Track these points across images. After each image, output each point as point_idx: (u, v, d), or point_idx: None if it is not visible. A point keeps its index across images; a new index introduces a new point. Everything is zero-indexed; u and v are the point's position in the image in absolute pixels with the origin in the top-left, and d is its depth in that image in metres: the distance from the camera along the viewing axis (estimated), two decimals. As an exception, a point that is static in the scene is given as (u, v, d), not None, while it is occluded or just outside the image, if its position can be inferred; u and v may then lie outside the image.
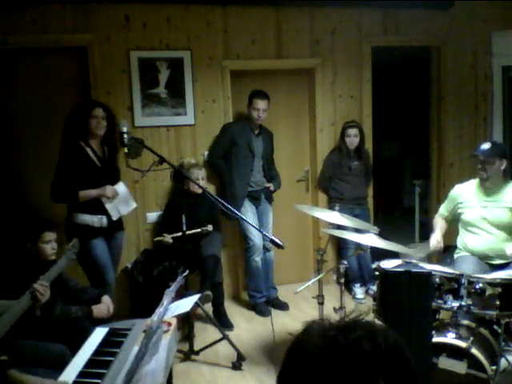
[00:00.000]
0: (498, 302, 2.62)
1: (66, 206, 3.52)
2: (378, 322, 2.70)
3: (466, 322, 2.84)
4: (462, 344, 2.59)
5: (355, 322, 0.80)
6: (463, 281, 2.72)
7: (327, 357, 0.75)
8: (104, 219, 3.50)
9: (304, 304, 4.46)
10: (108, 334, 2.41)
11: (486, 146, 3.33)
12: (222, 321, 4.07)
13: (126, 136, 4.17)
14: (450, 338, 2.65)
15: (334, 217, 3.25)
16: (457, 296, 2.71)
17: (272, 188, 4.58)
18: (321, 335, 0.78)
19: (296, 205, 3.53)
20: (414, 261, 2.79)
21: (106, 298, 2.98)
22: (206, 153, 4.53)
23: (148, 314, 2.24)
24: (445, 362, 2.60)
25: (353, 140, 4.63)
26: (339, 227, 3.63)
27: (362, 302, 4.60)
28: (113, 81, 4.23)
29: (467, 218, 3.42)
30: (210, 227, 4.14)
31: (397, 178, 7.45)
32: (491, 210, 3.33)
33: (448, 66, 5.15)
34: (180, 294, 2.94)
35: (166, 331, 2.37)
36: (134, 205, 3.72)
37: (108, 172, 3.56)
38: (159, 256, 4.19)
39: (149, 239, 4.44)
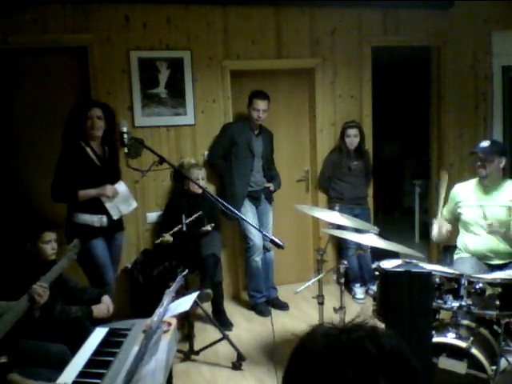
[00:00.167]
0: (497, 302, 2.62)
1: (66, 205, 3.52)
2: (377, 322, 2.71)
3: (466, 322, 2.84)
4: (462, 344, 2.59)
5: (359, 325, 0.82)
6: (463, 281, 2.72)
7: (329, 356, 0.76)
8: (104, 219, 3.50)
9: (304, 304, 4.46)
10: (108, 334, 2.41)
11: (485, 143, 3.33)
12: (221, 321, 4.07)
13: (125, 136, 4.19)
14: (450, 337, 2.65)
15: (334, 217, 3.25)
16: (457, 296, 2.71)
17: (272, 188, 4.58)
18: (325, 335, 0.80)
19: (296, 205, 3.53)
20: (414, 261, 2.79)
21: (105, 298, 2.98)
22: (206, 153, 4.53)
23: (148, 314, 2.24)
24: (445, 362, 2.60)
25: (353, 140, 4.63)
26: (339, 227, 3.63)
27: (361, 302, 4.61)
28: (113, 81, 4.23)
29: (466, 218, 3.42)
30: (209, 227, 4.14)
31: (397, 178, 7.45)
32: (489, 209, 3.33)
33: (448, 66, 5.15)
34: (180, 294, 2.94)
35: (165, 331, 2.37)
36: (134, 204, 3.71)
37: (108, 171, 3.56)
38: (159, 256, 4.19)
39: (149, 239, 4.44)
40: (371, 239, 3.05)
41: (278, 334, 3.79)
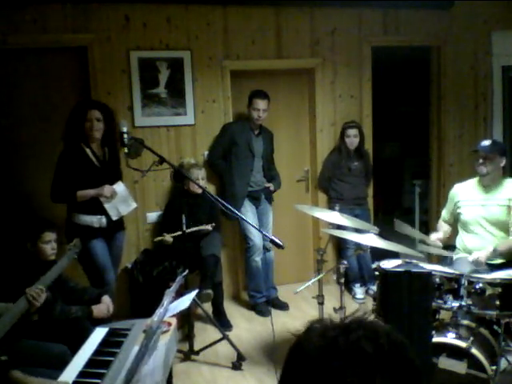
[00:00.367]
0: (497, 302, 2.62)
1: (66, 206, 3.52)
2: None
3: (466, 322, 2.84)
4: (462, 344, 2.59)
5: (358, 321, 0.80)
6: (463, 281, 2.72)
7: (327, 358, 0.75)
8: (103, 219, 3.50)
9: (304, 304, 4.46)
10: (108, 334, 2.42)
11: (486, 142, 3.35)
12: (221, 321, 4.07)
13: (125, 136, 4.19)
14: (450, 337, 2.65)
15: (334, 217, 3.25)
16: (457, 296, 2.71)
17: (272, 188, 4.58)
18: (321, 335, 0.78)
19: (296, 205, 3.53)
20: (414, 261, 2.79)
21: (105, 298, 2.98)
22: (206, 153, 4.53)
23: (148, 314, 2.24)
24: (445, 362, 2.60)
25: (353, 140, 4.63)
26: (339, 227, 3.62)
27: (361, 302, 4.60)
28: (113, 81, 4.23)
29: (466, 218, 3.42)
30: (209, 227, 4.14)
31: (397, 178, 7.44)
32: (489, 208, 3.33)
33: (448, 66, 5.15)
34: (180, 294, 2.94)
35: (165, 331, 2.38)
36: (133, 205, 3.71)
37: (107, 172, 3.56)
38: (159, 256, 4.19)
39: (149, 239, 4.44)
40: (371, 239, 3.05)
41: (277, 334, 3.78)
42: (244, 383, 3.33)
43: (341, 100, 4.92)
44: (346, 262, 3.30)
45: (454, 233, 3.62)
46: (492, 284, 2.65)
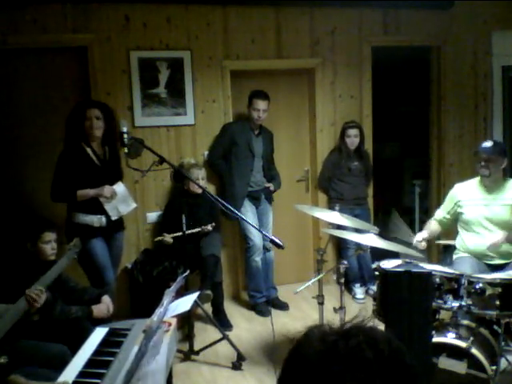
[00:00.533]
0: (497, 302, 2.62)
1: (65, 206, 3.52)
2: (377, 322, 2.70)
3: (465, 322, 2.84)
4: (462, 344, 2.59)
5: (357, 327, 0.79)
6: (463, 281, 2.72)
7: (327, 363, 0.74)
8: (103, 219, 3.50)
9: (304, 304, 4.46)
10: (108, 334, 2.41)
11: (488, 143, 3.34)
12: (221, 321, 4.07)
13: (125, 136, 4.17)
14: (450, 337, 2.66)
15: (334, 217, 3.25)
16: (457, 296, 2.71)
17: (272, 188, 4.58)
18: (321, 340, 0.77)
19: (296, 205, 3.53)
20: (414, 261, 2.79)
21: (105, 298, 2.98)
22: (206, 153, 4.53)
23: (148, 314, 2.24)
24: (445, 362, 2.60)
25: (353, 140, 4.63)
26: (339, 227, 3.62)
27: (361, 302, 4.61)
28: (113, 81, 4.23)
29: (468, 217, 3.41)
30: (210, 227, 4.14)
31: (397, 178, 7.44)
32: (492, 208, 3.33)
33: (448, 66, 5.15)
34: (180, 294, 2.94)
35: (165, 331, 2.37)
36: (133, 205, 3.71)
37: (108, 172, 3.56)
38: (159, 256, 4.19)
39: (149, 239, 4.44)
40: (371, 239, 3.05)
41: (277, 334, 3.78)
42: (244, 383, 3.33)
43: (341, 100, 4.92)
44: (346, 262, 3.30)
45: (454, 233, 3.62)
46: (492, 284, 2.65)
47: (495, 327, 2.86)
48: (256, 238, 4.35)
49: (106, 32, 4.16)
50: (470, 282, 2.70)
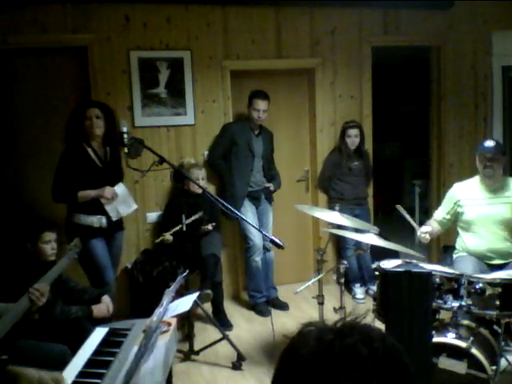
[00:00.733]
0: (497, 302, 2.61)
1: (66, 206, 3.52)
2: (377, 322, 2.70)
3: (465, 322, 2.84)
4: (462, 344, 2.59)
5: (352, 325, 0.79)
6: (463, 281, 2.71)
7: (321, 361, 0.74)
8: (103, 219, 3.50)
9: (304, 304, 4.46)
10: (108, 334, 2.41)
11: (491, 143, 3.32)
12: (221, 321, 4.07)
13: (125, 136, 4.17)
14: (450, 337, 2.65)
15: (334, 217, 3.25)
16: (457, 296, 2.71)
17: (272, 188, 4.58)
18: (316, 339, 0.77)
19: (296, 205, 3.53)
20: (414, 261, 2.78)
21: (105, 298, 2.98)
22: (206, 153, 4.53)
23: (148, 314, 2.24)
24: (445, 362, 2.60)
25: (354, 140, 4.62)
26: (339, 227, 3.62)
27: (361, 302, 4.61)
28: (113, 81, 4.23)
29: (469, 217, 3.39)
30: (210, 226, 4.14)
31: (397, 178, 7.45)
32: (494, 207, 3.32)
33: (448, 66, 5.15)
34: (180, 294, 2.94)
35: (165, 331, 2.37)
36: (134, 206, 3.71)
37: (109, 172, 3.56)
38: (159, 256, 4.19)
39: (149, 239, 4.44)
40: (371, 239, 3.05)
41: (277, 334, 3.79)
42: (244, 383, 3.33)
43: (341, 100, 4.92)
44: (345, 262, 3.30)
45: (454, 233, 3.61)
46: (492, 284, 2.65)
47: (495, 327, 2.86)
48: (256, 238, 4.35)
49: (106, 32, 4.16)
50: (470, 282, 2.70)
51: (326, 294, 3.41)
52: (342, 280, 3.25)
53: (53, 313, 2.69)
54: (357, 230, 3.50)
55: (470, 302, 2.67)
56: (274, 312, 4.16)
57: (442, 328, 2.76)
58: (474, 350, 2.56)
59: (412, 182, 6.66)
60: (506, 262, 3.30)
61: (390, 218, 6.85)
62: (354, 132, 4.62)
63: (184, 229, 3.72)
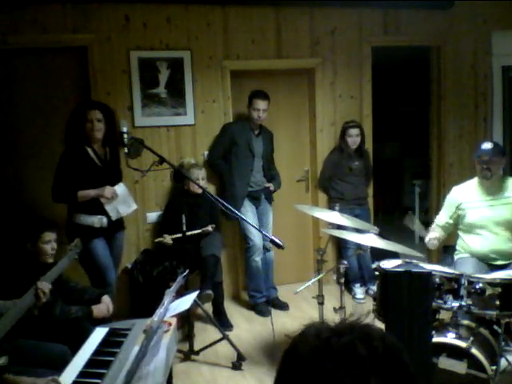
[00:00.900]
0: (497, 302, 2.61)
1: (66, 206, 3.52)
2: (377, 322, 2.70)
3: (465, 322, 2.84)
4: (462, 344, 2.59)
5: (352, 324, 0.80)
6: (463, 281, 2.71)
7: (320, 359, 0.75)
8: (104, 219, 3.50)
9: (304, 304, 4.46)
10: (108, 334, 2.41)
11: (488, 145, 3.32)
12: (221, 321, 4.07)
13: (125, 136, 4.19)
14: (450, 337, 2.65)
15: (334, 217, 3.25)
16: (457, 296, 2.71)
17: (272, 188, 4.58)
18: (315, 337, 0.78)
19: (296, 205, 3.53)
20: (414, 261, 2.78)
21: (105, 298, 2.98)
22: (206, 153, 4.53)
23: (148, 314, 2.24)
24: (445, 362, 2.60)
25: (355, 140, 4.62)
26: (339, 227, 3.62)
27: (361, 302, 4.61)
28: (113, 81, 4.23)
29: (471, 220, 3.37)
30: (210, 228, 4.14)
31: (397, 178, 7.45)
32: (496, 209, 3.32)
33: (448, 66, 5.15)
34: (180, 294, 2.94)
35: (166, 331, 2.37)
36: (134, 206, 3.71)
37: (109, 172, 3.56)
38: (159, 256, 4.19)
39: (149, 239, 4.44)
40: (371, 239, 3.05)
41: (277, 334, 3.79)
42: (244, 383, 3.33)
43: (341, 100, 4.92)
44: (345, 262, 3.30)
45: (454, 234, 3.60)
46: (492, 284, 2.65)
47: (495, 327, 2.86)
48: (256, 237, 4.35)
49: (106, 32, 4.16)
50: (470, 282, 2.70)
51: (326, 294, 3.41)
52: (342, 280, 3.25)
53: (53, 313, 2.69)
54: (357, 230, 3.50)
55: (470, 302, 2.67)
56: (274, 312, 4.16)
57: (442, 328, 2.76)
58: (474, 350, 2.56)
59: (412, 181, 6.66)
60: (508, 262, 3.29)
61: (390, 218, 6.87)
62: (354, 132, 4.62)
63: (185, 236, 3.73)
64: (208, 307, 4.06)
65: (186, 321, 3.68)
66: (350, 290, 4.73)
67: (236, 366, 3.47)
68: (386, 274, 2.64)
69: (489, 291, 2.64)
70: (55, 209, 3.59)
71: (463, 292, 2.70)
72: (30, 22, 3.95)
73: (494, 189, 3.36)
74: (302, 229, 5.10)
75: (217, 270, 4.11)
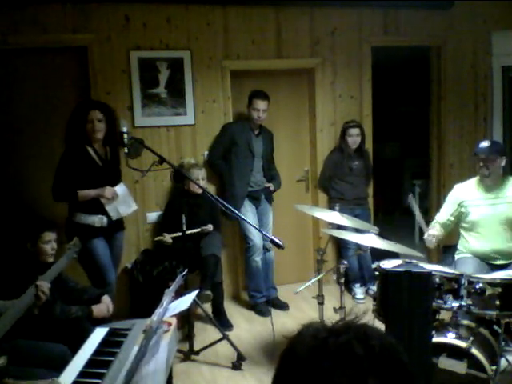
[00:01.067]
0: (497, 302, 2.61)
1: (66, 205, 3.52)
2: (377, 322, 2.70)
3: (465, 322, 2.84)
4: (462, 344, 2.59)
5: (348, 324, 0.80)
6: (463, 281, 2.71)
7: (317, 359, 0.75)
8: (104, 219, 3.50)
9: (304, 304, 4.46)
10: (108, 334, 2.41)
11: (485, 143, 3.33)
12: (221, 321, 4.07)
13: (125, 136, 4.19)
14: (450, 337, 2.65)
15: (334, 217, 3.25)
16: (457, 296, 2.71)
17: (272, 188, 4.58)
18: (312, 337, 0.78)
19: (296, 205, 3.53)
20: (414, 261, 2.78)
21: (105, 298, 2.98)
22: (206, 153, 4.53)
23: (148, 314, 2.24)
24: (445, 362, 2.60)
25: (355, 139, 4.62)
26: (339, 227, 3.62)
27: (361, 302, 4.61)
28: (113, 81, 4.23)
29: (473, 218, 3.37)
30: (210, 227, 4.14)
31: (397, 178, 7.45)
32: (497, 207, 3.32)
33: (448, 66, 5.15)
34: (180, 294, 2.94)
35: (165, 331, 2.37)
36: (134, 206, 3.71)
37: (109, 172, 3.56)
38: (159, 256, 4.19)
39: (149, 239, 4.44)
40: (371, 239, 3.05)
41: (277, 334, 3.78)
42: (244, 383, 3.33)
43: (341, 100, 4.92)
44: (345, 262, 3.30)
45: (454, 234, 3.60)
46: (492, 284, 2.65)
47: (495, 327, 2.86)
48: (256, 238, 4.35)
49: (106, 32, 4.16)
50: (470, 282, 2.70)
51: (326, 294, 3.41)
52: (342, 280, 3.25)
53: (53, 313, 2.69)
54: (357, 230, 3.50)
55: (470, 302, 2.67)
56: (274, 312, 4.16)
57: (442, 328, 2.76)
58: (474, 350, 2.56)
59: (412, 181, 6.66)
60: (509, 262, 3.29)
61: (390, 218, 6.87)
62: (355, 131, 4.62)
63: (185, 235, 3.73)
64: (208, 307, 4.06)
65: (186, 321, 3.68)
66: (350, 290, 4.72)
67: (236, 365, 3.47)
68: (386, 274, 2.64)
69: (489, 291, 2.64)
70: (55, 209, 3.59)
71: (463, 292, 2.70)
72: (30, 22, 3.95)
73: (495, 188, 3.36)
74: (302, 229, 5.10)
75: (217, 269, 4.11)
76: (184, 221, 3.71)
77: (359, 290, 4.70)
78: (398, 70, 6.77)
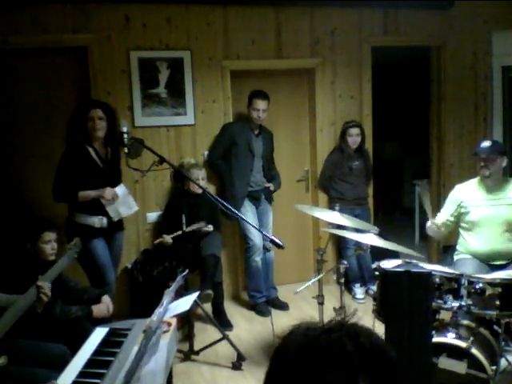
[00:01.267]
0: (497, 302, 2.61)
1: (66, 206, 3.52)
2: (377, 322, 2.70)
3: (465, 322, 2.84)
4: (462, 344, 2.59)
5: (340, 322, 0.81)
6: (463, 281, 2.71)
7: (307, 356, 0.76)
8: (104, 220, 3.50)
9: (304, 304, 4.46)
10: (108, 334, 2.41)
11: (486, 143, 3.32)
12: (221, 321, 4.07)
13: (125, 136, 4.17)
14: (450, 337, 2.65)
15: (334, 217, 3.25)
16: (457, 296, 2.71)
17: (272, 188, 4.58)
18: (303, 335, 0.79)
19: (296, 205, 3.53)
20: (414, 261, 2.79)
21: (105, 298, 2.98)
22: (206, 153, 4.53)
23: (148, 314, 2.24)
24: (445, 362, 2.60)
25: (355, 139, 4.62)
26: (339, 227, 3.62)
27: (361, 302, 4.61)
28: (113, 81, 4.23)
29: (473, 218, 3.37)
30: (210, 227, 4.14)
31: (397, 178, 7.45)
32: (498, 208, 3.31)
33: (448, 66, 5.15)
34: (180, 294, 2.94)
35: (165, 331, 2.37)
36: (135, 207, 3.71)
37: (110, 172, 3.56)
38: (159, 256, 4.19)
39: (149, 239, 4.44)
40: (371, 239, 3.05)
41: (277, 334, 3.78)
42: (244, 383, 3.33)
43: (341, 100, 4.92)
44: (345, 262, 3.30)
45: (454, 234, 3.60)
46: (492, 284, 2.65)
47: (495, 327, 2.86)
48: (256, 238, 4.35)
49: (106, 32, 4.16)
50: (470, 282, 2.70)
51: (326, 294, 3.41)
52: (342, 280, 3.25)
53: (53, 313, 2.69)
54: (357, 230, 3.50)
55: (470, 302, 2.67)
56: (274, 312, 4.16)
57: (442, 328, 2.76)
58: (474, 350, 2.56)
59: (412, 181, 6.66)
60: (508, 262, 3.29)
61: (390, 218, 6.87)
62: (355, 131, 4.62)
63: (184, 233, 3.73)
64: (208, 307, 4.06)
65: (185, 321, 3.68)
66: (350, 290, 4.73)
67: (236, 365, 3.48)
68: (386, 274, 2.64)
69: (489, 291, 2.64)
70: (55, 209, 3.59)
71: (463, 292, 2.70)
72: (30, 22, 3.95)
73: (495, 188, 3.36)
74: (302, 229, 5.10)
75: (217, 269, 4.12)
76: (184, 221, 3.71)
77: (359, 290, 4.70)
78: (398, 70, 6.77)
